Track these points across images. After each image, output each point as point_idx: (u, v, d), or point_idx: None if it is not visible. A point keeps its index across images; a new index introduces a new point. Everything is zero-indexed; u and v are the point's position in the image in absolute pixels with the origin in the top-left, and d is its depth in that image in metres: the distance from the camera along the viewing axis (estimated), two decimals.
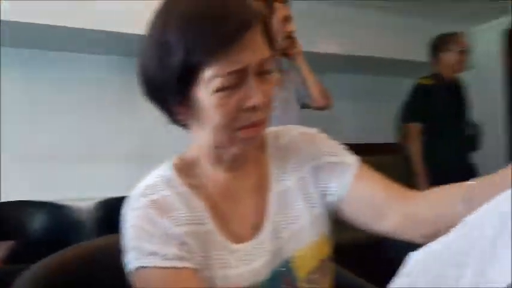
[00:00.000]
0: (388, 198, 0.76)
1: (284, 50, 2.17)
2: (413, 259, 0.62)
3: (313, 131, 0.86)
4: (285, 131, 0.85)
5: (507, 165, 0.63)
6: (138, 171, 0.83)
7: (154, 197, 0.69)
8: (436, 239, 0.69)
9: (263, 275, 0.71)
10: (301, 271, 0.74)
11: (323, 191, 0.80)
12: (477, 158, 2.95)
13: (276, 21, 2.06)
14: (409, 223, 0.73)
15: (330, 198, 0.80)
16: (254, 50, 0.64)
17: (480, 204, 0.61)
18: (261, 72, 0.66)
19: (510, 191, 0.52)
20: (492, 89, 3.82)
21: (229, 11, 0.62)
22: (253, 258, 0.72)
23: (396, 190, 0.77)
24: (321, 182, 0.80)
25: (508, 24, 3.64)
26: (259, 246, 0.73)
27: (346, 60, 3.48)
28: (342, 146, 0.84)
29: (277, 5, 2.07)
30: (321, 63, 3.00)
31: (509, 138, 3.63)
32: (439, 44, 2.88)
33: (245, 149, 0.72)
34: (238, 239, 0.72)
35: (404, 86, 3.00)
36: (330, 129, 0.92)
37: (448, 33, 2.89)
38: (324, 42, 3.30)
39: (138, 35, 0.76)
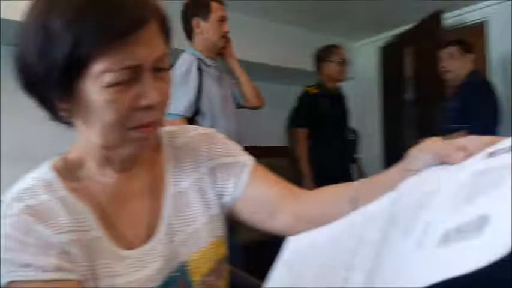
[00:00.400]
0: (281, 198, 0.77)
1: (220, 49, 2.20)
2: (291, 248, 0.62)
3: (210, 131, 0.85)
4: (181, 131, 0.83)
5: (384, 167, 0.67)
6: (13, 173, 0.74)
7: (31, 202, 0.62)
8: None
9: (156, 281, 0.68)
10: (196, 275, 0.73)
11: (220, 192, 0.79)
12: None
13: (212, 21, 2.12)
14: (299, 222, 0.75)
15: (226, 199, 0.80)
16: (150, 47, 0.61)
17: (366, 204, 0.64)
18: (157, 70, 0.63)
19: (393, 193, 0.55)
20: (370, 99, 4.18)
21: (124, 5, 0.59)
22: (144, 264, 0.68)
23: (289, 189, 0.79)
24: (217, 183, 0.79)
25: (385, 41, 4.02)
26: (152, 251, 0.69)
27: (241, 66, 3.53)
28: (239, 147, 0.85)
29: (213, 5, 2.12)
30: None
31: (384, 144, 4.02)
32: (321, 55, 3.09)
33: (137, 149, 0.68)
34: (129, 244, 0.68)
35: (295, 93, 3.16)
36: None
37: (329, 45, 3.11)
38: None
39: (14, 21, 0.67)
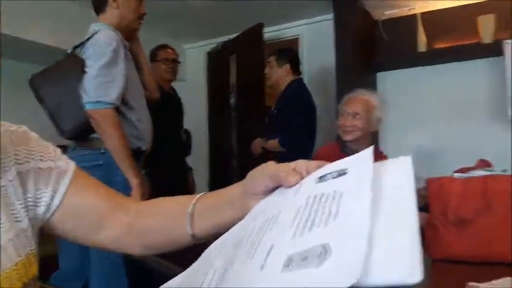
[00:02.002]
0: (108, 209, 0.70)
1: (132, 32, 1.97)
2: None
3: (22, 129, 0.70)
4: None
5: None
6: None
7: None
8: (158, 251, 0.67)
9: None
10: None
11: (31, 202, 0.66)
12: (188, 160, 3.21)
13: (132, 1, 1.90)
14: (129, 235, 0.69)
15: (40, 210, 0.67)
16: None
17: (203, 219, 0.62)
18: None
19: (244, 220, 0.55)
20: (199, 101, 4.24)
21: None
22: None
23: (117, 200, 0.72)
24: (28, 192, 0.66)
25: (212, 47, 4.15)
26: None
27: None
28: (58, 150, 0.72)
29: None
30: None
31: (210, 144, 4.12)
32: (152, 55, 3.02)
33: None
34: None
35: None
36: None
37: (159, 45, 3.06)
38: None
39: None
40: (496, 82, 3.19)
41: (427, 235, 1.42)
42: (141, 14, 2.02)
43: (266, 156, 2.88)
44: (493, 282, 1.03)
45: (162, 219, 0.68)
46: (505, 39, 3.06)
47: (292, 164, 0.55)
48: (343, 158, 0.51)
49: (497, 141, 3.10)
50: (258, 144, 2.99)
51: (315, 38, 3.77)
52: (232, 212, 0.61)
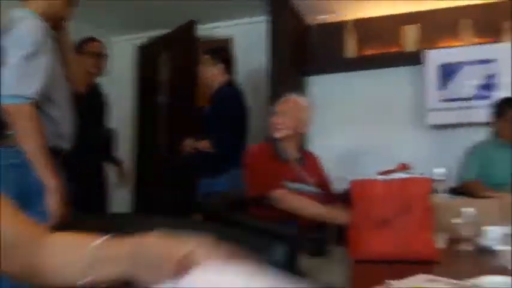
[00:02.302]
0: (17, 236, 0.62)
1: (59, 21, 1.79)
2: None
3: None
4: None
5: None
6: None
7: None
8: None
9: None
10: None
11: None
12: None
13: None
14: (31, 269, 0.62)
15: None
16: None
17: (103, 267, 0.58)
18: None
19: None
20: (125, 97, 4.07)
21: None
22: None
23: (29, 227, 0.65)
24: None
25: (142, 41, 4.00)
26: None
27: None
28: None
29: None
30: None
31: (136, 145, 3.97)
32: (77, 47, 2.83)
33: None
34: None
35: None
36: None
37: (86, 37, 2.89)
38: None
39: None
40: (417, 90, 3.38)
41: (350, 236, 1.46)
42: (71, 1, 1.87)
43: (198, 156, 2.83)
44: (410, 279, 1.07)
45: (60, 258, 0.63)
46: (427, 49, 3.26)
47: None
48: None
49: (416, 146, 3.30)
50: (187, 145, 2.92)
51: (248, 39, 3.76)
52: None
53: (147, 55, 3.97)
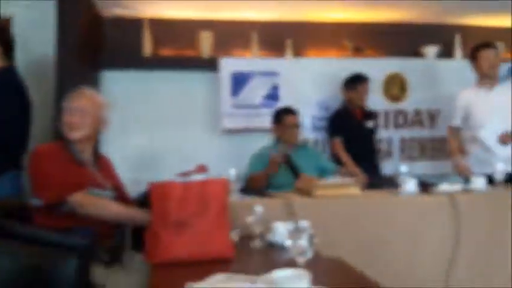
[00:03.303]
0: None
1: None
2: None
3: None
4: None
5: None
6: None
7: None
8: None
9: None
10: None
11: None
12: None
13: None
14: None
15: None
16: None
17: None
18: None
19: None
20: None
21: None
22: None
23: None
24: None
25: None
26: None
27: None
28: None
29: None
30: None
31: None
32: None
33: None
34: None
35: None
36: None
37: None
38: None
39: None
40: (212, 95, 3.53)
41: (148, 240, 1.41)
42: None
43: None
44: (209, 278, 1.09)
45: None
46: (221, 56, 3.44)
47: None
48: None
49: (213, 148, 3.45)
50: None
51: (32, 21, 3.28)
52: None
53: None
